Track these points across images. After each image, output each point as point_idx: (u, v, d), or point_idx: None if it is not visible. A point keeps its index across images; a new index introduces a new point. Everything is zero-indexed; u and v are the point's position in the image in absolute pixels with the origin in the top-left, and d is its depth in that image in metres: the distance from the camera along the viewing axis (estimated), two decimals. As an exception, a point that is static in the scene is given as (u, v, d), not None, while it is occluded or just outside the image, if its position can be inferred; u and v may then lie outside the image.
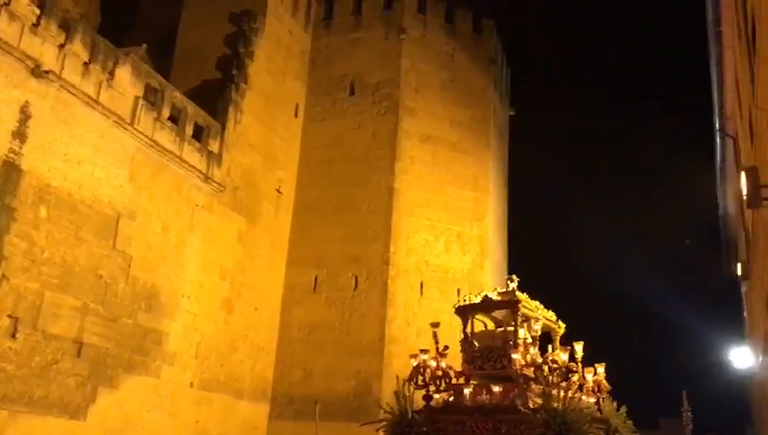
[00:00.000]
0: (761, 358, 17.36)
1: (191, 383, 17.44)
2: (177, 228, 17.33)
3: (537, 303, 10.86)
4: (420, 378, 10.11)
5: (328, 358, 20.52)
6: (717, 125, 17.03)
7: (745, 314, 23.03)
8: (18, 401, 12.74)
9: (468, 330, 10.84)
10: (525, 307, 10.48)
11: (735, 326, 26.89)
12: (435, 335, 10.72)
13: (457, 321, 19.07)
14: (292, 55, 23.45)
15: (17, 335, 12.77)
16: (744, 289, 21.57)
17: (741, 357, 22.44)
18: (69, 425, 13.65)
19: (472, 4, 25.44)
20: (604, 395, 10.34)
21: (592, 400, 10.20)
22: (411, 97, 23.11)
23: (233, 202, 19.55)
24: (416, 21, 24.06)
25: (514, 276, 11.04)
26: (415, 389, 10.22)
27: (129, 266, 15.65)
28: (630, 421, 10.33)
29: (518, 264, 26.29)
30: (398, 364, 19.99)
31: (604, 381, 10.41)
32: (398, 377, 10.66)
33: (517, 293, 10.57)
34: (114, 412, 14.93)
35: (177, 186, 17.44)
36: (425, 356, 10.25)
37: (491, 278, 22.92)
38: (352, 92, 23.47)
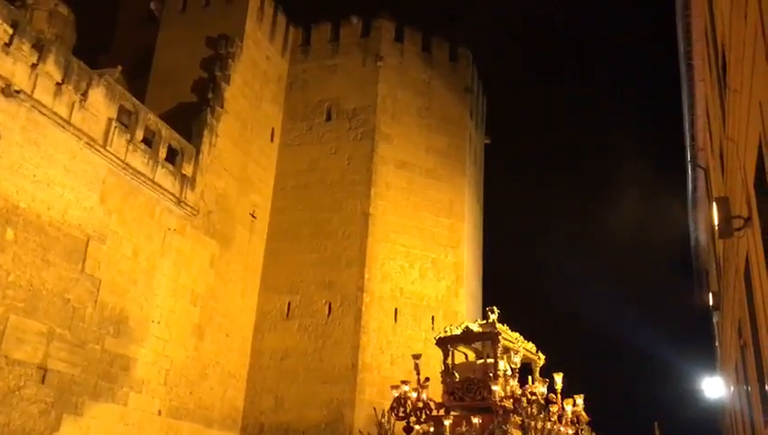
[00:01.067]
0: (732, 388, 17.44)
1: (159, 411, 17.03)
2: (149, 252, 17.06)
3: (517, 334, 10.99)
4: (401, 409, 10.22)
5: (300, 386, 20.23)
6: (689, 156, 17.28)
7: (717, 344, 23.19)
8: (-22, 428, 12.33)
9: (449, 361, 11.01)
10: (505, 339, 10.61)
11: (707, 356, 27.10)
12: (416, 367, 10.85)
13: (432, 348, 19.13)
14: (269, 80, 23.43)
15: (-21, 361, 12.39)
16: (715, 319, 21.74)
17: (713, 387, 22.58)
18: (30, 454, 13.23)
19: (448, 33, 25.76)
20: (583, 426, 10.52)
21: (571, 431, 10.34)
22: (388, 123, 23.18)
23: (206, 226, 19.33)
24: (393, 48, 24.23)
25: (495, 308, 11.12)
26: (396, 420, 10.30)
27: (98, 290, 15.33)
28: None
29: (492, 292, 26.36)
30: (371, 392, 19.83)
31: (583, 413, 10.58)
32: (375, 409, 10.73)
33: (497, 325, 10.70)
34: (78, 441, 14.51)
35: (149, 209, 17.21)
36: (406, 387, 10.38)
37: (466, 306, 22.87)
38: (329, 118, 23.50)
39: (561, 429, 10.09)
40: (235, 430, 19.95)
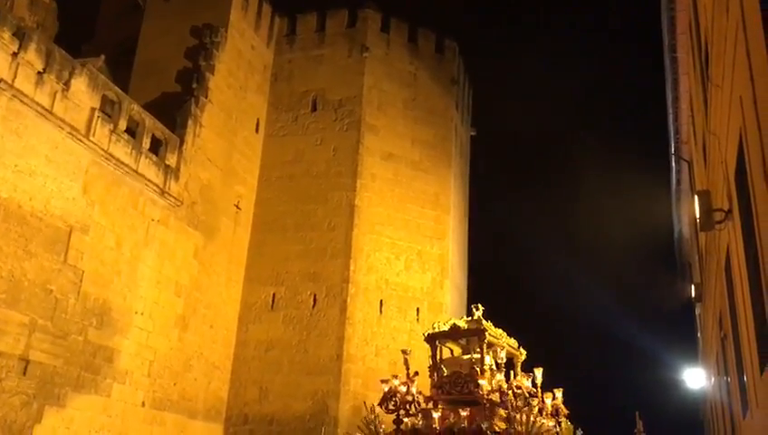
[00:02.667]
0: (713, 379, 17.64)
1: (143, 402, 16.98)
2: (132, 243, 16.96)
3: (501, 331, 11.29)
4: (391, 402, 10.50)
5: (284, 377, 20.23)
6: (672, 149, 17.40)
7: (699, 335, 23.44)
8: (-42, 420, 12.23)
9: (437, 356, 11.27)
10: (491, 335, 10.91)
11: (690, 348, 27.39)
12: (406, 362, 11.15)
13: (417, 340, 19.34)
14: (254, 70, 23.30)
15: (-41, 352, 12.28)
16: (697, 311, 21.96)
17: (694, 378, 22.84)
18: (12, 446, 13.15)
19: (435, 25, 25.70)
20: (562, 418, 10.81)
21: (551, 423, 10.59)
22: (373, 115, 23.13)
23: (190, 217, 19.23)
24: (379, 39, 24.15)
25: (479, 305, 11.37)
26: (386, 413, 10.60)
27: (81, 281, 15.23)
28: None
29: (476, 284, 26.48)
30: (356, 384, 19.88)
31: (562, 405, 10.89)
32: (365, 403, 11.21)
33: (483, 321, 10.99)
34: (61, 432, 14.43)
35: (132, 200, 17.09)
36: (396, 381, 10.66)
37: (451, 297, 22.95)
38: (314, 109, 23.41)
39: (544, 421, 10.31)
40: (219, 422, 19.94)
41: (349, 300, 20.69)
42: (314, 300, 20.94)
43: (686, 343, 28.25)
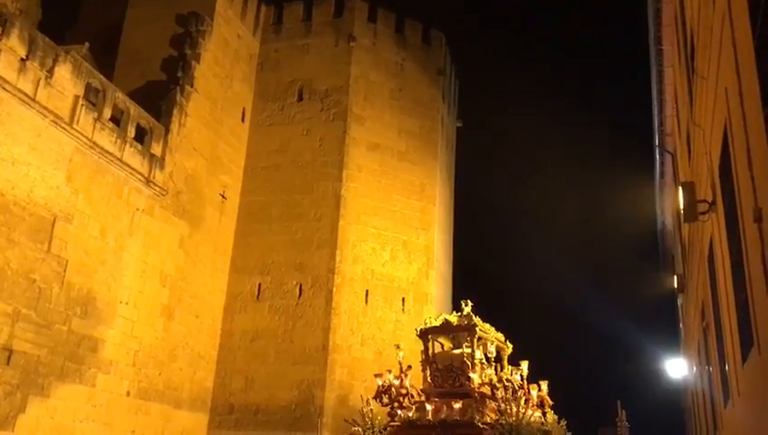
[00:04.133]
0: (695, 369, 17.84)
1: (128, 392, 16.92)
2: (117, 232, 16.85)
3: (489, 325, 11.67)
4: (386, 396, 10.93)
5: (270, 367, 20.24)
6: (656, 141, 17.52)
7: (681, 326, 23.68)
8: (-59, 410, 12.13)
9: (429, 351, 11.63)
10: (480, 330, 11.30)
11: (671, 338, 27.66)
12: (399, 358, 11.67)
13: (403, 330, 19.63)
14: (240, 59, 23.16)
15: (-59, 342, 12.17)
16: (680, 302, 22.19)
17: (675, 368, 23.09)
18: (-5, 436, 13.08)
19: (422, 16, 25.66)
20: (547, 409, 11.12)
21: (538, 414, 10.92)
22: (360, 105, 23.09)
23: (175, 206, 19.13)
24: (366, 29, 24.08)
25: (468, 300, 11.73)
26: (382, 407, 10.99)
27: (65, 271, 15.12)
28: (570, 433, 11.27)
29: (461, 274, 26.58)
30: (342, 373, 19.93)
31: (547, 397, 11.19)
32: (361, 396, 11.61)
33: (473, 317, 11.37)
34: (45, 422, 14.36)
35: (117, 189, 16.97)
36: (390, 376, 11.10)
37: (436, 287, 23.03)
38: (300, 98, 23.33)
39: (531, 412, 10.59)
40: (204, 411, 19.92)
41: (335, 290, 20.71)
42: (300, 290, 20.95)
43: (668, 333, 28.54)
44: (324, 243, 21.32)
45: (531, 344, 12.87)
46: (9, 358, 13.53)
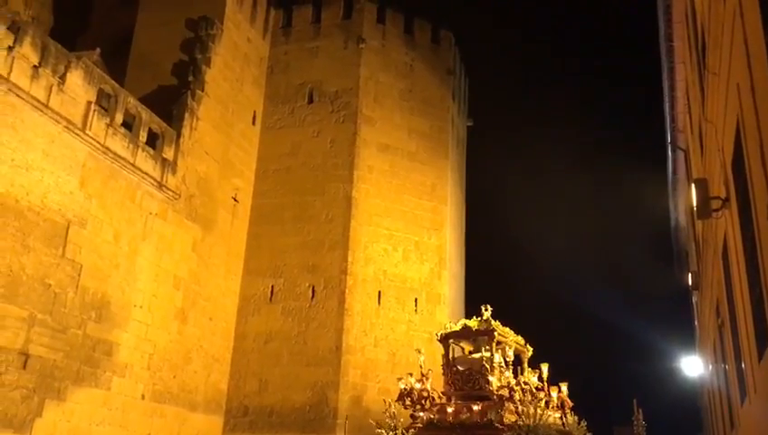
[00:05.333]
0: (710, 366, 17.72)
1: (143, 395, 17.02)
2: (130, 237, 16.96)
3: (508, 329, 11.97)
4: (408, 399, 11.29)
5: (284, 368, 20.28)
6: (669, 138, 17.42)
7: (696, 323, 23.52)
8: (-41, 415, 12.25)
9: (449, 355, 11.99)
10: (499, 334, 11.59)
11: (687, 336, 27.49)
12: (420, 361, 12.06)
13: (416, 331, 19.78)
14: (250, 62, 23.25)
15: (-41, 347, 12.28)
16: (694, 299, 22.04)
17: (691, 365, 22.94)
18: (13, 440, 13.16)
19: (431, 16, 25.64)
20: (567, 411, 11.35)
21: (557, 414, 11.18)
22: (370, 106, 23.11)
23: (188, 210, 19.23)
24: (375, 30, 24.10)
25: (488, 305, 11.96)
26: (404, 409, 11.36)
27: (79, 275, 15.23)
28: (590, 434, 11.40)
29: (474, 274, 26.53)
30: (355, 375, 19.95)
31: (567, 398, 11.43)
32: (384, 400, 11.90)
33: (492, 321, 11.65)
34: (62, 426, 14.47)
35: (129, 193, 17.08)
36: (412, 379, 11.47)
37: (449, 288, 23.00)
38: (311, 100, 23.38)
39: (550, 413, 10.85)
40: (219, 414, 20.00)
41: (347, 291, 20.73)
42: (313, 292, 20.99)
43: (683, 331, 28.37)
44: (336, 244, 21.34)
45: (544, 343, 12.94)
46: (26, 362, 13.65)
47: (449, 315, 22.46)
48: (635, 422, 11.97)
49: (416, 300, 21.73)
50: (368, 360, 20.30)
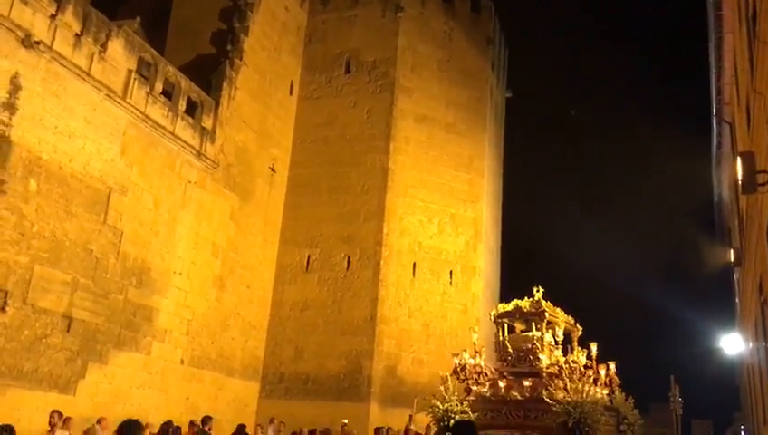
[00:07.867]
0: (751, 344, 17.41)
1: (182, 360, 17.41)
2: (169, 204, 17.20)
3: (559, 309, 12.35)
4: (462, 373, 11.79)
5: (319, 337, 20.52)
6: (714, 111, 16.95)
7: (737, 300, 23.08)
8: (7, 374, 12.68)
9: (501, 334, 12.45)
10: (550, 315, 12.01)
11: (727, 313, 27.02)
12: (474, 338, 12.66)
13: (450, 302, 19.91)
14: (288, 31, 23.18)
15: (7, 309, 12.68)
16: (736, 276, 21.60)
17: (731, 343, 22.55)
18: (58, 399, 13.55)
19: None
20: (615, 388, 11.70)
21: (605, 392, 11.51)
22: (407, 76, 22.91)
23: (226, 179, 19.41)
24: (413, -1, 23.76)
25: (540, 287, 12.27)
26: (459, 383, 11.80)
27: (120, 242, 15.54)
28: (637, 410, 11.53)
29: (510, 247, 26.35)
30: (389, 344, 20.09)
31: (615, 376, 11.79)
32: (440, 373, 12.35)
33: (543, 302, 12.04)
34: (104, 388, 14.90)
35: (169, 161, 17.29)
36: (466, 355, 12.00)
37: (484, 261, 22.90)
38: (348, 70, 23.27)
39: (598, 390, 11.16)
40: (255, 380, 20.36)
41: (382, 262, 20.79)
42: (348, 262, 21.10)
43: (724, 308, 27.86)
44: (372, 215, 21.37)
45: (582, 320, 12.93)
46: (69, 325, 14.03)
47: (483, 288, 22.41)
48: (672, 398, 11.93)
49: (450, 272, 21.69)
50: (402, 330, 20.41)
